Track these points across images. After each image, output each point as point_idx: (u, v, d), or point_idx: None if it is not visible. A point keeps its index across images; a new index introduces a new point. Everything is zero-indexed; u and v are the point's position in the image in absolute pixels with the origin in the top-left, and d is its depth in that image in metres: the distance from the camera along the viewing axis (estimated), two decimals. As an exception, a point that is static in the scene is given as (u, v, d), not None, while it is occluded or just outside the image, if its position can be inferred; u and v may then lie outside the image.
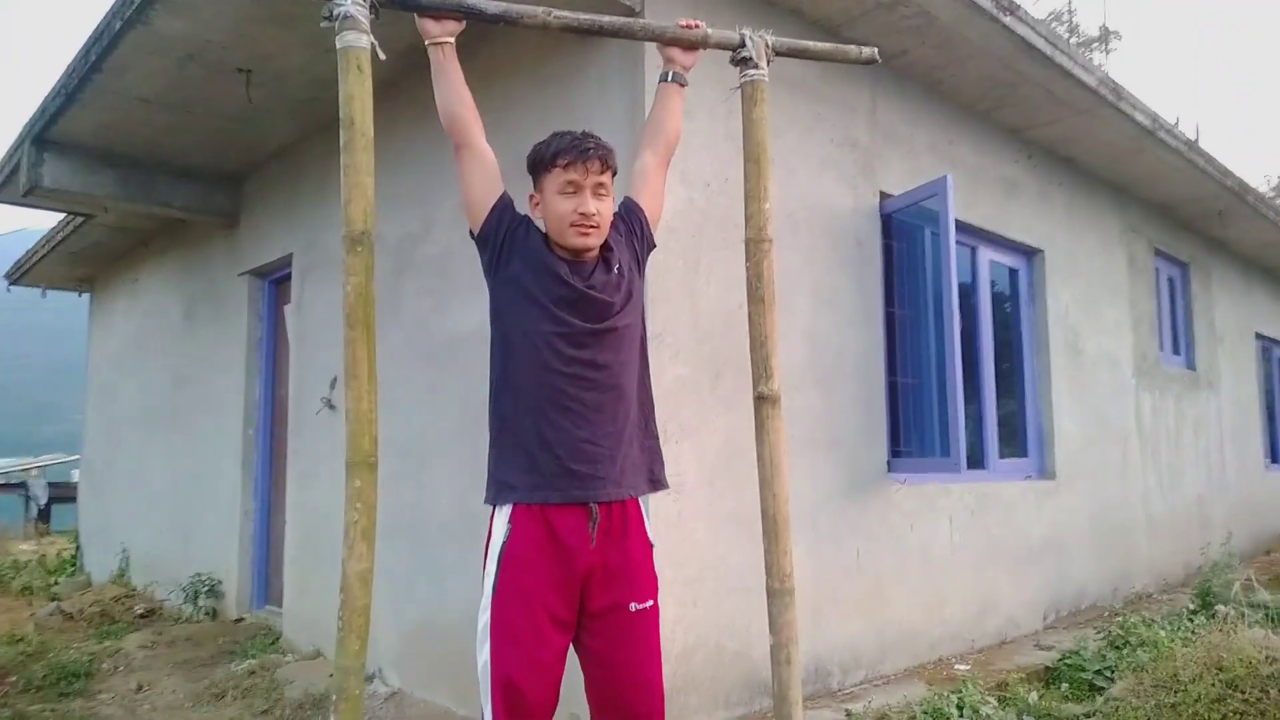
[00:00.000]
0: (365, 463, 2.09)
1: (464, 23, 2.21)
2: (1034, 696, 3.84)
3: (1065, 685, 4.18)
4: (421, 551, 4.37)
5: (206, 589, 5.95)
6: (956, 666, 4.41)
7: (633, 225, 2.26)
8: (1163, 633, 4.33)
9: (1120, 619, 4.97)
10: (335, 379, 5.08)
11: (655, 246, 2.36)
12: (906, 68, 4.61)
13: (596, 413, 2.07)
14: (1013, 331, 5.63)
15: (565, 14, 2.27)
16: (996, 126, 5.36)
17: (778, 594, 2.36)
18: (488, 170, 2.18)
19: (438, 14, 2.17)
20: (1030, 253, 5.67)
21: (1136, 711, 3.21)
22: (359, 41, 2.09)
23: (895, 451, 4.47)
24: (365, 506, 2.08)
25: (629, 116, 3.56)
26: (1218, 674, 3.16)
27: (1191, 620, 4.80)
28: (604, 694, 2.13)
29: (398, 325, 4.66)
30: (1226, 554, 6.18)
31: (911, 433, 4.61)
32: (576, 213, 2.09)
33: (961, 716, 3.45)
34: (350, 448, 2.09)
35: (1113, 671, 4.16)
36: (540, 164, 2.17)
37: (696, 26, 2.37)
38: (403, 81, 4.64)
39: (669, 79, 2.39)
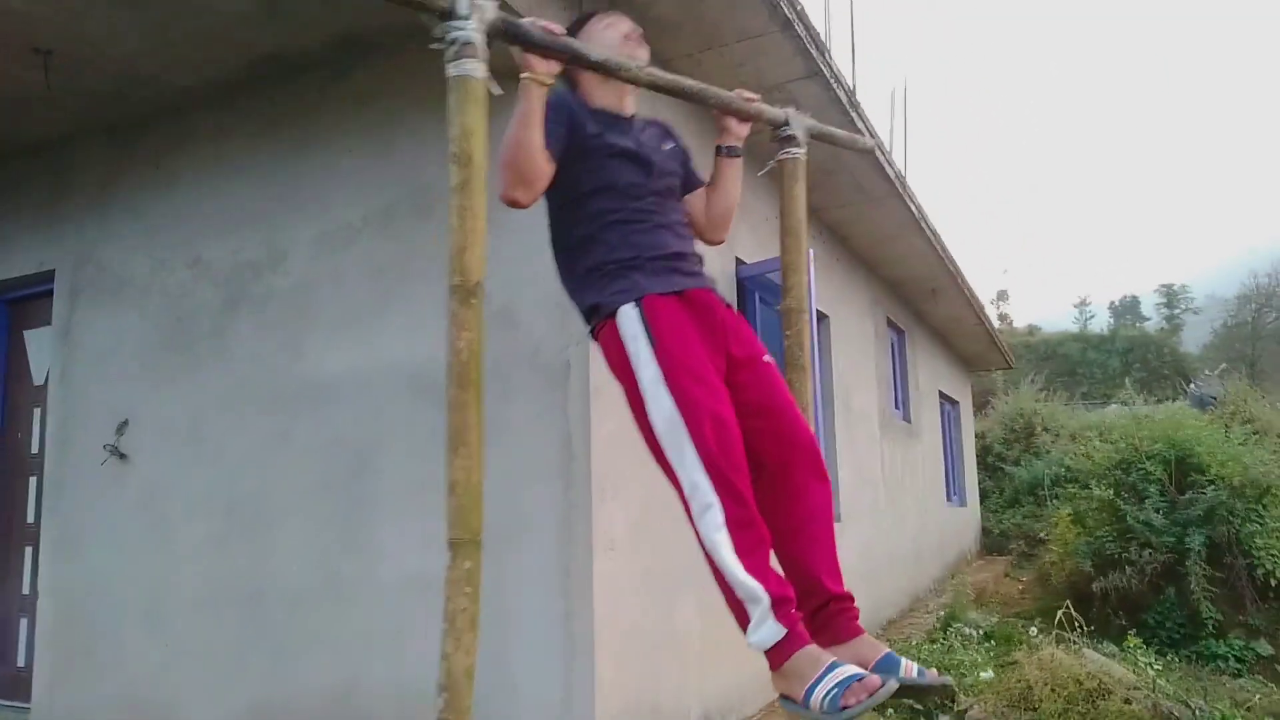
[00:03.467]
0: (474, 541, 1.85)
1: (561, 67, 2.08)
2: (882, 725, 4.23)
3: (891, 711, 4.64)
4: (256, 624, 3.81)
5: (-110, 687, 4.64)
6: (798, 703, 4.71)
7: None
8: (978, 657, 4.98)
9: (902, 646, 5.62)
10: (124, 423, 4.29)
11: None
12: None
13: (676, 230, 2.15)
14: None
15: (655, 71, 2.22)
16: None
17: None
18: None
19: (544, 53, 2.02)
20: (821, 318, 6.30)
21: (1000, 731, 3.67)
22: (478, 71, 1.89)
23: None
24: (474, 591, 1.84)
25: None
26: (1059, 690, 3.72)
27: (983, 644, 5.57)
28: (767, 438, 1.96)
29: (227, 367, 4.08)
30: (959, 584, 7.23)
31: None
32: (622, 35, 2.18)
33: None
34: (457, 525, 1.85)
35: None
36: (572, 30, 2.17)
37: (755, 99, 2.44)
38: (243, 88, 4.12)
39: (728, 153, 2.42)
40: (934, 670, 1.82)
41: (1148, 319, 45.69)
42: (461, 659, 1.81)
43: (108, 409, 4.35)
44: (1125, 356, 31.91)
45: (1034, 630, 6.03)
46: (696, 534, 1.84)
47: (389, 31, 3.71)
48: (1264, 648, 5.84)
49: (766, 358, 2.07)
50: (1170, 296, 42.70)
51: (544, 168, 2.03)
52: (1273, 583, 6.03)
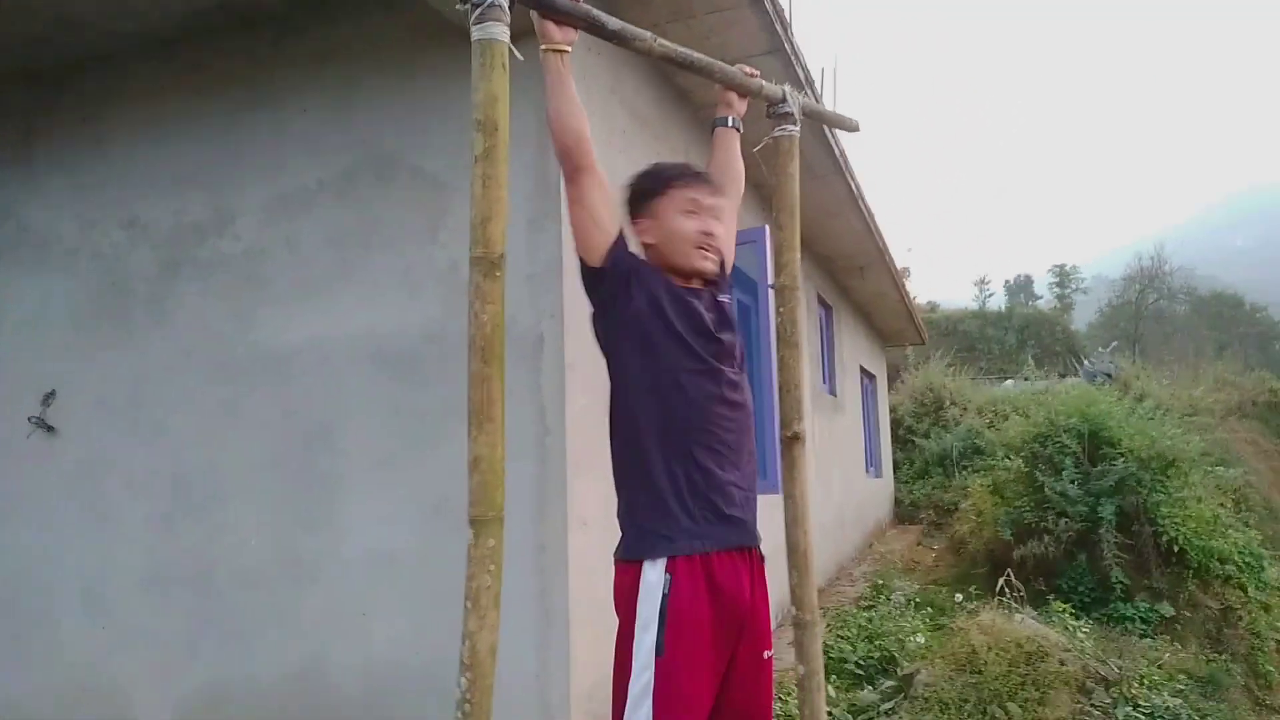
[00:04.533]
0: (498, 519, 1.83)
1: (578, 33, 2.03)
2: (830, 690, 4.37)
3: (834, 677, 4.79)
4: (207, 605, 3.68)
5: None
6: (747, 671, 4.83)
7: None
8: (918, 623, 5.17)
9: (836, 613, 5.81)
10: (51, 394, 4.04)
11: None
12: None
13: (737, 454, 2.02)
14: (750, 363, 6.27)
15: (666, 44, 2.20)
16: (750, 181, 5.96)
17: (808, 625, 2.49)
18: (609, 197, 2.02)
19: (561, 19, 1.97)
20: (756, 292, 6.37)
21: (949, 693, 3.84)
22: (503, 35, 1.83)
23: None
24: (498, 568, 1.82)
25: (538, 131, 3.37)
26: (1002, 654, 3.91)
27: (917, 611, 5.78)
28: None
29: (169, 335, 3.89)
30: (885, 553, 7.48)
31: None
32: (700, 232, 2.04)
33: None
34: (480, 502, 1.82)
35: (865, 662, 4.88)
36: (651, 189, 2.08)
37: (756, 75, 2.45)
38: (187, 39, 3.89)
39: (729, 124, 2.43)
40: None
41: (1040, 297, 47.84)
42: (486, 636, 1.80)
43: (33, 379, 4.09)
44: (1021, 333, 33.27)
45: (960, 597, 6.30)
46: None
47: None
48: (1166, 609, 6.25)
49: (768, 654, 2.04)
50: (1062, 276, 44.76)
51: (577, 132, 1.98)
52: (1175, 549, 6.45)
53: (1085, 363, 19.68)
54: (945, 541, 10.68)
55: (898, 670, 4.50)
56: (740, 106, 2.47)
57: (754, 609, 2.01)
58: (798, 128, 2.59)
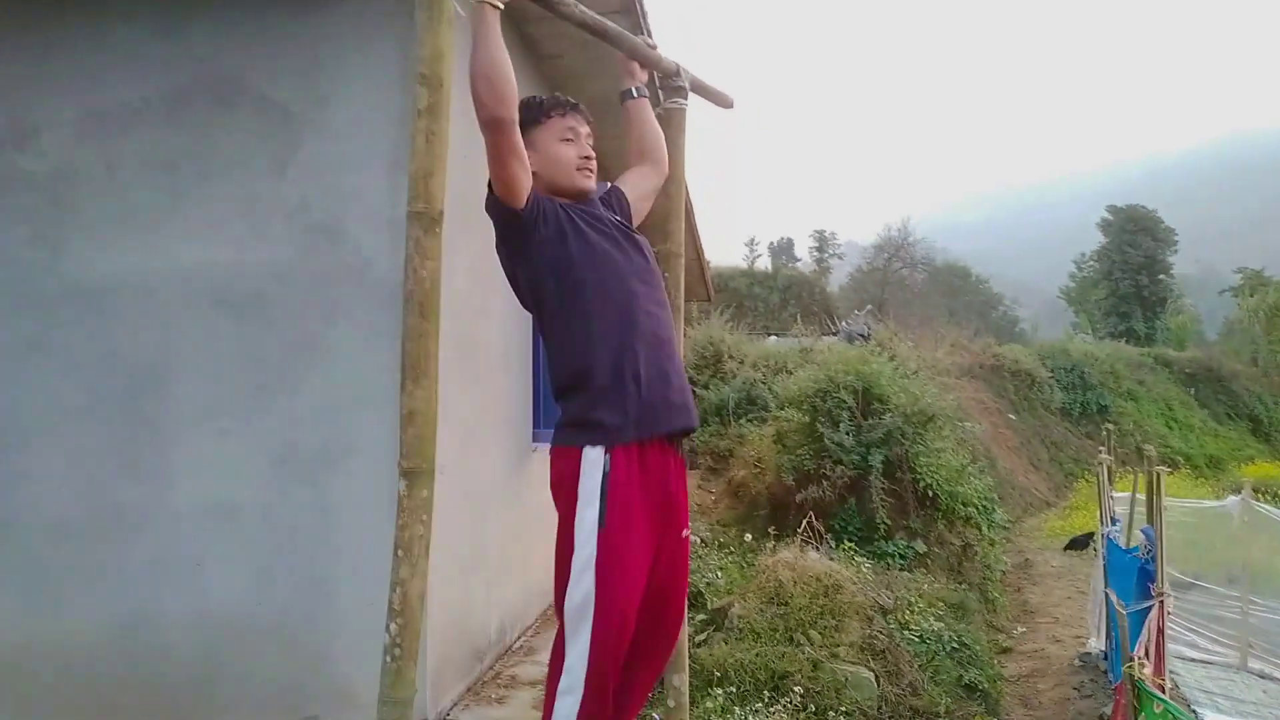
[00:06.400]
0: (430, 471, 1.89)
1: (511, -9, 2.05)
2: (649, 626, 4.69)
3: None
4: (5, 559, 3.35)
5: None
6: (568, 611, 5.04)
7: (612, 204, 2.36)
8: (724, 560, 5.57)
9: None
10: None
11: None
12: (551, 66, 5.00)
13: (669, 344, 2.20)
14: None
15: (586, 11, 2.25)
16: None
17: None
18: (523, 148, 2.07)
19: (495, -28, 1.98)
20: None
21: (760, 623, 4.25)
22: (449, -11, 1.83)
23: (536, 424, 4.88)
24: (429, 518, 1.88)
25: (399, 67, 3.24)
26: (805, 588, 4.37)
27: (717, 551, 6.21)
28: (649, 615, 2.12)
29: (-51, 257, 3.43)
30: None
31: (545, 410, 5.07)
32: (580, 157, 2.21)
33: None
34: (414, 454, 1.88)
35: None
36: (531, 119, 2.17)
37: (655, 48, 2.56)
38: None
39: (636, 94, 2.53)
40: None
41: (799, 260, 51.28)
42: (418, 584, 1.86)
43: None
44: (784, 293, 35.60)
45: (749, 536, 6.86)
46: (550, 699, 2.03)
47: None
48: (920, 546, 7.15)
49: (686, 532, 2.22)
50: (822, 241, 48.21)
51: (514, 85, 2.01)
52: (929, 494, 7.37)
53: (842, 323, 21.52)
54: (724, 485, 11.44)
55: (707, 605, 4.88)
56: (642, 76, 2.56)
57: (676, 494, 2.18)
58: (688, 102, 2.72)
